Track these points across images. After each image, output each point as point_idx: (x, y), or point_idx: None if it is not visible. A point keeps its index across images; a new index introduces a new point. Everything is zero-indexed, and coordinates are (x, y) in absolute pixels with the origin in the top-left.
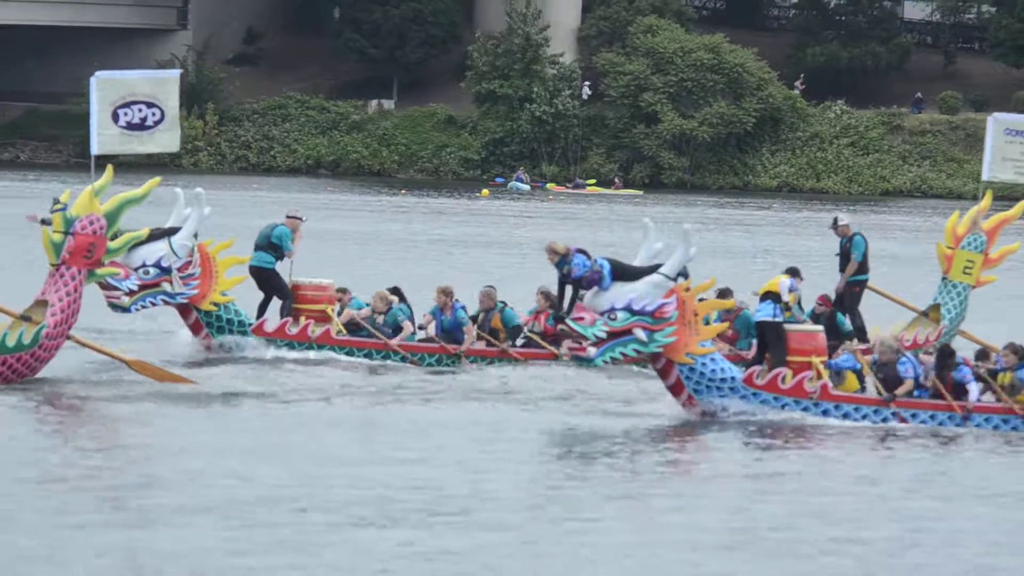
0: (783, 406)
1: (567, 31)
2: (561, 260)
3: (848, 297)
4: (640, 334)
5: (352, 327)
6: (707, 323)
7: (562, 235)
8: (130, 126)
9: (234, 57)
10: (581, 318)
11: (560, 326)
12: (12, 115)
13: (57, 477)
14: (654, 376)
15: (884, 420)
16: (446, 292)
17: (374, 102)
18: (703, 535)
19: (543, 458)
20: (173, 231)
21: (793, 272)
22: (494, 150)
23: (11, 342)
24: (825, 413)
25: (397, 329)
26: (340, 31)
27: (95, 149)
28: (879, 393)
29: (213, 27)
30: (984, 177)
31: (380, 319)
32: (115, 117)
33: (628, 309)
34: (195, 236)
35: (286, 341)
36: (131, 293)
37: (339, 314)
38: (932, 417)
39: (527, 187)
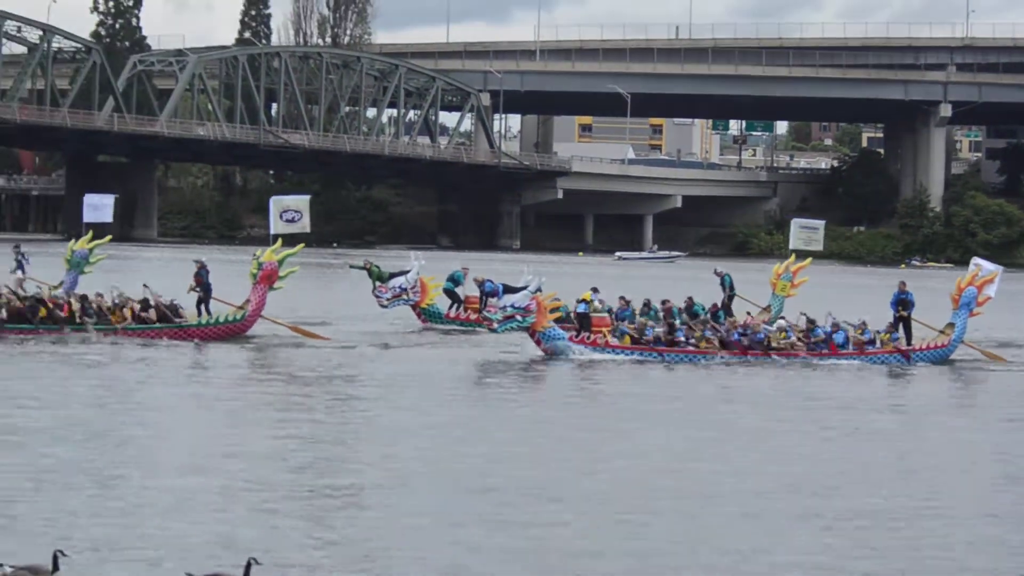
0: (589, 350)
1: (937, 197)
2: (481, 284)
3: (726, 304)
4: (518, 318)
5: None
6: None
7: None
8: (287, 221)
9: (796, 209)
10: (490, 309)
11: (482, 314)
12: (701, 236)
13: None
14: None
15: (628, 355)
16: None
17: (856, 228)
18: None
19: (454, 380)
20: (407, 272)
21: (595, 289)
22: (907, 249)
23: (231, 317)
24: (606, 352)
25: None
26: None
27: (272, 231)
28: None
29: (786, 198)
30: (791, 247)
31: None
32: (281, 216)
33: (513, 306)
34: (418, 273)
35: (459, 322)
36: (388, 300)
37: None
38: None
39: (919, 265)
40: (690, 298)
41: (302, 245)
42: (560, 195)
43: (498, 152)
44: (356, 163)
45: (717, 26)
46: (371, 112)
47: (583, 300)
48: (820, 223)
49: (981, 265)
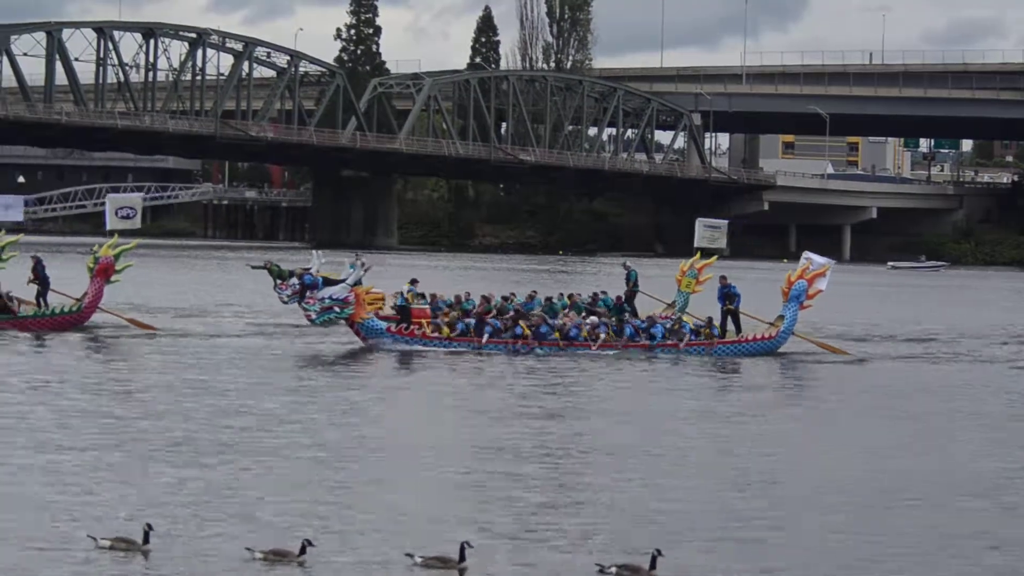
0: (407, 342)
1: None
2: (301, 276)
3: (629, 297)
4: (336, 309)
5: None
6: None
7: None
8: (122, 217)
9: (980, 221)
10: (309, 300)
11: (300, 304)
12: (893, 245)
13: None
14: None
15: (445, 346)
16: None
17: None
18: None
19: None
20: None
21: (414, 281)
22: None
23: (67, 309)
24: (425, 344)
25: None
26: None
27: (108, 227)
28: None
29: (971, 209)
30: (696, 244)
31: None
32: (117, 213)
33: (331, 298)
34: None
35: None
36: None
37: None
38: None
39: None
40: (595, 293)
41: (136, 242)
42: (766, 207)
43: (709, 167)
44: (579, 177)
45: (907, 53)
46: (592, 131)
47: (400, 293)
48: (723, 222)
49: (812, 259)
